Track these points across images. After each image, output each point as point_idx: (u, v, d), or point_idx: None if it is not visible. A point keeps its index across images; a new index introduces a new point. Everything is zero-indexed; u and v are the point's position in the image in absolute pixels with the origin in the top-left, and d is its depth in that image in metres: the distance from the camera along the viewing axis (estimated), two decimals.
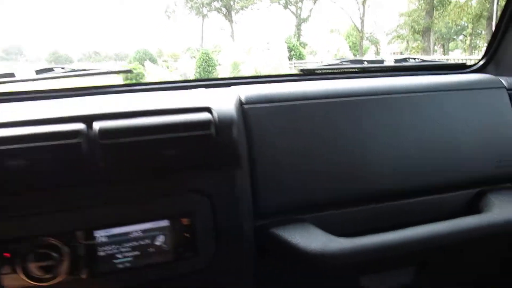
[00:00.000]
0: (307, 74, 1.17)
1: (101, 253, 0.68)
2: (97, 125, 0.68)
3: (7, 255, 0.65)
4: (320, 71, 1.15)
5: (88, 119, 0.68)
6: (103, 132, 0.67)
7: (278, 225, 0.83)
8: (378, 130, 0.91)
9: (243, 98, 0.84)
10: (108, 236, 0.69)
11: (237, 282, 0.78)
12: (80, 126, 0.67)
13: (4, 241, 0.65)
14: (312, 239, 0.79)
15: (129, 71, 1.16)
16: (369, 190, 0.89)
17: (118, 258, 0.69)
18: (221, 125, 0.73)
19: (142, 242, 0.70)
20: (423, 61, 1.24)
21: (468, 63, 1.24)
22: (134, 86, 0.92)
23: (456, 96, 0.97)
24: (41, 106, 0.75)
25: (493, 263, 1.08)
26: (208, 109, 0.74)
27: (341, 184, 0.87)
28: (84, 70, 0.99)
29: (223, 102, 0.77)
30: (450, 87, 0.98)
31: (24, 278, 0.65)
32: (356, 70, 1.16)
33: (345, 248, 0.77)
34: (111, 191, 0.69)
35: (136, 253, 0.70)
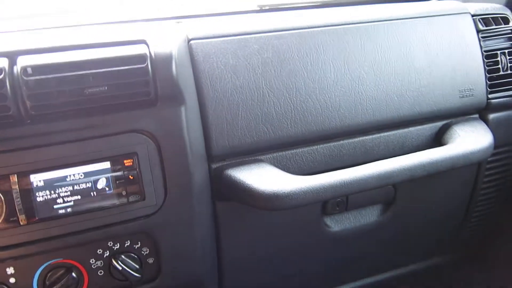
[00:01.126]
0: (266, 11, 1.11)
1: (39, 198, 0.65)
2: (20, 61, 0.63)
3: None
4: (279, 7, 1.09)
5: (12, 55, 0.63)
6: (27, 67, 0.62)
7: (233, 166, 0.81)
8: (334, 63, 0.88)
9: (189, 33, 0.79)
10: (45, 180, 0.65)
11: (190, 228, 0.76)
12: (3, 62, 0.62)
13: None
14: (267, 179, 0.77)
15: None
16: (328, 127, 0.87)
17: (58, 203, 0.66)
18: (158, 59, 0.68)
19: (82, 186, 0.67)
20: None
21: None
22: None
23: (418, 24, 0.94)
24: None
25: (456, 199, 1.09)
26: (144, 42, 0.69)
27: (298, 121, 0.85)
28: None
29: (164, 36, 0.72)
30: (412, 14, 0.95)
31: None
32: (317, 4, 1.10)
33: (302, 187, 0.75)
34: (44, 132, 0.65)
35: (77, 197, 0.67)
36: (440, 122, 0.98)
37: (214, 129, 0.79)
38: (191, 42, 0.78)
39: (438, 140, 0.97)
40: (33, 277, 0.70)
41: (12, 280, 0.69)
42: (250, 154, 0.84)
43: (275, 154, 0.86)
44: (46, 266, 0.70)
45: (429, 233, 1.12)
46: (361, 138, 0.92)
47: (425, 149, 0.90)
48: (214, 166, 0.80)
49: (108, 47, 0.67)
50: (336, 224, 0.98)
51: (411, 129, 0.95)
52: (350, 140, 0.91)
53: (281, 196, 0.74)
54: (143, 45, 0.68)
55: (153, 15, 0.96)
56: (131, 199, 0.70)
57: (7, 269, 0.68)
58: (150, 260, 0.75)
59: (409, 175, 0.82)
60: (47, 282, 0.70)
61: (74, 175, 0.67)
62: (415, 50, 0.94)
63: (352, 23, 0.91)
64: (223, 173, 0.80)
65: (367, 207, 1.00)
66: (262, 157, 0.85)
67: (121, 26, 0.80)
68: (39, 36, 0.69)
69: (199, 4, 1.07)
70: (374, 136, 0.93)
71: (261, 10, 1.09)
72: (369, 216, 1.01)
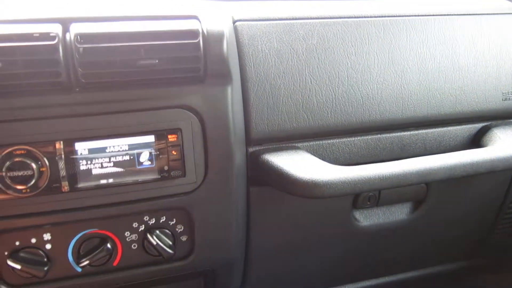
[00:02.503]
0: None
1: (82, 167, 0.66)
2: (74, 28, 0.63)
3: None
4: None
5: (66, 21, 0.64)
6: (81, 35, 0.63)
7: (271, 151, 0.81)
8: (379, 55, 0.87)
9: (235, 14, 0.79)
10: (90, 149, 0.66)
11: (226, 209, 0.77)
12: (57, 28, 0.63)
13: None
14: (305, 167, 0.77)
15: None
16: (367, 119, 0.87)
17: (100, 173, 0.67)
18: (210, 36, 0.68)
19: (125, 158, 0.68)
20: None
21: None
22: None
23: (466, 22, 0.93)
24: (14, 4, 0.69)
25: (487, 203, 1.09)
26: (196, 17, 0.69)
27: (338, 111, 0.84)
28: None
29: (214, 14, 0.72)
30: (461, 11, 0.94)
31: (2, 187, 0.63)
32: None
33: (341, 177, 0.75)
34: (91, 101, 0.66)
35: (119, 169, 0.68)
36: (479, 124, 0.97)
37: (255, 112, 0.79)
38: (237, 23, 0.78)
39: (476, 141, 0.96)
40: (69, 245, 0.71)
41: (48, 246, 0.70)
42: (287, 141, 0.84)
43: (312, 143, 0.86)
44: (82, 235, 0.71)
45: (457, 236, 1.12)
46: (399, 134, 0.91)
47: (462, 149, 0.89)
48: (251, 149, 0.81)
49: (161, 20, 0.67)
50: (365, 218, 0.98)
51: (450, 128, 0.94)
52: (388, 135, 0.91)
53: (320, 185, 0.74)
54: (196, 21, 0.68)
55: None
56: (172, 174, 0.70)
57: (44, 235, 0.70)
58: (184, 238, 0.76)
59: (448, 174, 0.82)
60: (81, 251, 0.72)
61: (118, 146, 0.67)
62: (461, 47, 0.93)
63: (399, 16, 0.90)
64: (259, 157, 0.80)
65: (397, 204, 1.00)
66: (298, 145, 0.85)
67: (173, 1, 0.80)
68: (92, 3, 0.70)
69: None
70: (412, 132, 0.92)
71: None
72: (399, 213, 1.01)
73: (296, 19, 0.83)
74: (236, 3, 0.89)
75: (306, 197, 0.83)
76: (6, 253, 0.69)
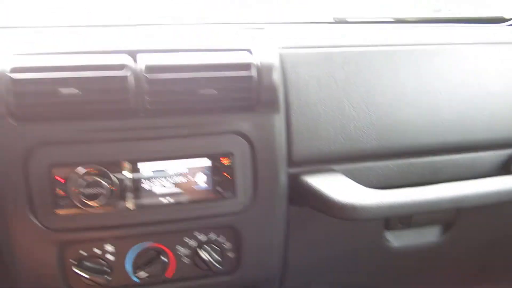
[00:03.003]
0: (340, 23, 1.17)
1: (145, 186, 0.73)
2: (142, 59, 0.71)
3: (61, 180, 0.70)
4: (353, 21, 1.16)
5: (133, 53, 0.72)
6: (149, 67, 0.70)
7: (310, 173, 0.87)
8: (412, 82, 0.93)
9: (279, 42, 0.86)
10: (152, 171, 0.73)
11: (270, 227, 0.83)
12: (127, 59, 0.71)
13: (57, 165, 0.70)
14: (343, 190, 0.83)
15: None
16: (401, 144, 0.92)
17: (160, 192, 0.74)
18: (262, 68, 0.75)
19: (183, 179, 0.75)
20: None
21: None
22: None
23: (496, 49, 0.98)
24: (85, 37, 0.78)
25: None
26: (249, 50, 0.76)
27: (374, 136, 0.90)
28: None
29: (263, 45, 0.79)
30: (491, 40, 0.99)
31: (76, 203, 0.71)
32: (391, 20, 1.16)
33: (376, 201, 0.80)
34: (155, 126, 0.73)
35: (177, 189, 0.75)
36: (509, 150, 1.01)
37: (296, 135, 0.85)
38: (281, 51, 0.85)
39: (507, 168, 1.00)
40: (128, 256, 0.78)
41: (110, 257, 0.77)
42: (325, 163, 0.90)
43: (348, 166, 0.91)
44: (140, 248, 0.78)
45: (487, 259, 1.15)
46: (430, 159, 0.96)
47: (494, 175, 0.93)
48: (291, 171, 0.87)
49: (218, 52, 0.75)
50: (397, 239, 1.02)
51: (481, 154, 0.99)
52: (420, 159, 0.96)
53: (358, 208, 0.79)
54: (248, 54, 0.76)
55: (235, 20, 1.04)
56: (224, 195, 0.77)
57: (107, 247, 0.77)
58: (231, 254, 0.82)
59: (480, 201, 0.86)
60: (138, 262, 0.78)
61: (177, 167, 0.74)
62: (491, 74, 0.98)
63: (431, 44, 0.96)
64: (299, 178, 0.86)
65: (428, 226, 1.04)
66: (335, 167, 0.91)
67: (225, 32, 0.88)
68: (155, 34, 0.78)
69: (276, 12, 1.15)
70: (443, 157, 0.97)
71: (337, 22, 1.15)
72: (429, 235, 1.05)
73: (335, 47, 0.90)
74: (281, 28, 0.96)
75: (344, 219, 0.88)
76: (73, 261, 0.76)
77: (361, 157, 0.92)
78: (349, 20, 1.14)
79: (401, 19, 1.16)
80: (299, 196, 0.86)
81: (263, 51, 0.77)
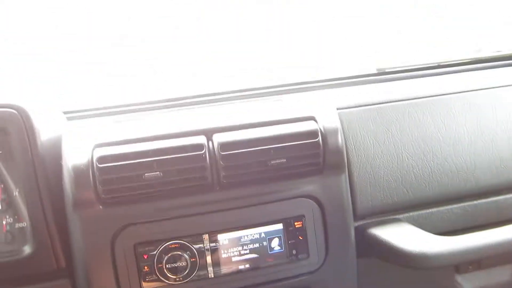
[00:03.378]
0: (383, 74, 1.21)
1: (224, 255, 0.77)
2: (217, 138, 0.77)
3: (145, 256, 0.75)
4: (395, 69, 1.19)
5: (208, 132, 0.77)
6: (222, 144, 0.76)
7: (375, 225, 0.89)
8: (467, 127, 0.95)
9: (336, 104, 0.91)
10: (230, 239, 0.77)
11: (344, 282, 0.84)
12: (202, 139, 0.76)
13: (141, 244, 0.75)
14: (412, 238, 0.84)
15: None
16: (463, 188, 0.93)
17: (239, 260, 0.78)
18: (327, 133, 0.79)
19: (259, 244, 0.78)
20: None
21: None
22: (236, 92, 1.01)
23: None
24: (160, 120, 0.85)
25: None
26: (313, 118, 0.81)
27: (435, 183, 0.92)
28: None
29: (325, 110, 0.84)
30: None
31: (160, 277, 0.75)
32: (432, 65, 1.18)
33: (447, 248, 0.81)
34: (229, 198, 0.78)
35: (255, 255, 0.78)
36: None
37: (359, 190, 0.88)
38: (338, 111, 0.90)
39: None
40: None
41: None
42: (389, 213, 0.92)
43: (412, 213, 0.93)
44: None
45: None
46: (494, 199, 0.96)
47: None
48: (356, 224, 0.89)
49: (284, 124, 0.79)
50: (468, 283, 1.01)
51: None
52: (484, 200, 0.96)
53: (429, 256, 0.79)
54: (313, 122, 0.80)
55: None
56: (298, 257, 0.79)
57: None
58: None
59: None
60: None
61: (252, 235, 0.78)
62: None
63: (482, 89, 0.98)
64: (365, 231, 0.88)
65: (499, 266, 1.02)
66: (400, 216, 0.92)
67: (287, 102, 0.93)
68: (224, 113, 0.84)
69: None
70: (506, 196, 0.97)
71: (380, 73, 1.19)
72: (501, 274, 1.03)
73: (387, 102, 0.94)
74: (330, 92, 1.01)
75: (416, 269, 0.89)
76: None
77: (425, 204, 0.93)
78: (391, 70, 1.17)
79: (443, 63, 1.19)
80: (366, 248, 0.88)
81: (325, 116, 0.82)
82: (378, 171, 0.89)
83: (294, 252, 0.79)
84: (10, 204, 0.78)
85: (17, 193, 0.79)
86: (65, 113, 0.94)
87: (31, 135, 0.75)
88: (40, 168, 0.76)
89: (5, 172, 0.78)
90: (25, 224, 0.78)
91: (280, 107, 0.86)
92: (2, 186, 0.80)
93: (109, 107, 1.00)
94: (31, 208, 0.75)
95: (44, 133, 0.78)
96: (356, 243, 0.88)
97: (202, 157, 0.75)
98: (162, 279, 0.75)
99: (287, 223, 0.79)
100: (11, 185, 0.79)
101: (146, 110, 0.97)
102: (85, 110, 0.98)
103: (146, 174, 0.73)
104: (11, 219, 0.77)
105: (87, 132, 0.79)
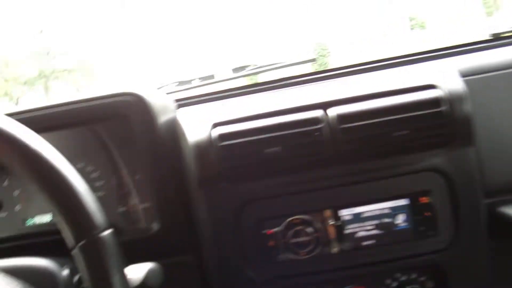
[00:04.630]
0: (498, 39, 1.11)
1: (346, 231, 0.76)
2: (334, 111, 0.75)
3: (270, 232, 0.76)
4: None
5: (324, 106, 0.76)
6: (343, 117, 0.74)
7: (508, 204, 0.82)
8: None
9: (460, 71, 0.84)
10: (353, 215, 0.76)
11: (474, 263, 0.79)
12: (320, 113, 0.76)
13: (265, 219, 0.77)
14: None
15: (313, 60, 1.25)
16: None
17: (361, 236, 0.76)
18: (452, 101, 0.74)
19: (383, 221, 0.76)
20: None
21: None
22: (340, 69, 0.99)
23: None
24: (272, 99, 0.85)
25: None
26: (436, 86, 0.76)
27: None
28: (274, 64, 1.11)
29: (447, 77, 0.79)
30: None
31: (285, 253, 0.76)
32: None
33: None
34: (351, 172, 0.76)
35: (378, 231, 0.76)
36: None
37: (488, 164, 0.81)
38: (465, 78, 0.83)
39: None
40: None
41: None
42: None
43: None
44: None
45: None
46: None
47: None
48: (486, 201, 0.82)
49: (404, 93, 0.76)
50: None
51: None
52: None
53: None
54: (436, 90, 0.75)
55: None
56: (425, 234, 0.76)
57: None
58: None
59: None
60: None
61: (376, 210, 0.76)
62: None
63: None
64: (496, 209, 0.81)
65: None
66: None
67: (404, 72, 0.89)
68: (339, 86, 0.82)
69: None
70: None
71: (496, 38, 1.09)
72: None
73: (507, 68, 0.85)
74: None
75: None
76: None
77: None
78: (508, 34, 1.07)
79: None
80: (498, 228, 0.81)
81: (449, 83, 0.77)
82: (508, 143, 0.82)
83: (421, 229, 0.76)
84: (134, 187, 0.83)
85: (139, 176, 0.85)
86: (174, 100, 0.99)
87: (151, 120, 0.80)
88: (162, 150, 0.81)
89: (128, 157, 0.84)
90: (149, 204, 0.83)
91: (398, 77, 0.82)
92: (126, 170, 0.86)
93: (216, 93, 1.03)
94: (156, 188, 0.80)
95: (161, 117, 0.83)
96: (487, 222, 0.82)
97: (321, 131, 0.74)
98: (287, 254, 0.76)
99: (413, 198, 0.76)
100: (134, 168, 0.85)
101: (253, 93, 0.98)
102: (192, 98, 1.02)
103: (266, 150, 0.74)
104: (136, 201, 0.83)
105: (203, 113, 0.83)
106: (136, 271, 0.56)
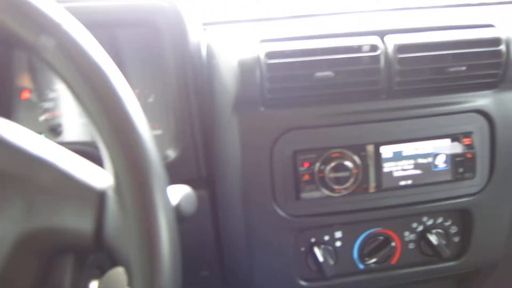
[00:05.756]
0: None
1: (386, 169, 0.72)
2: (392, 40, 0.70)
3: (307, 164, 0.70)
4: None
5: (382, 34, 0.70)
6: (400, 46, 0.69)
7: None
8: None
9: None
10: (394, 153, 0.72)
11: (502, 210, 0.80)
12: (377, 40, 0.69)
13: (302, 151, 0.70)
14: None
15: None
16: None
17: (400, 175, 0.73)
18: (509, 43, 0.72)
19: (423, 160, 0.73)
20: None
21: None
22: None
23: None
24: (329, 22, 0.78)
25: None
26: (493, 26, 0.74)
27: None
28: None
29: (506, 19, 0.76)
30: None
31: (321, 187, 0.71)
32: None
33: None
34: (398, 107, 0.72)
35: (417, 171, 0.73)
36: None
37: None
38: None
39: None
40: (355, 242, 0.77)
41: (338, 243, 0.77)
42: None
43: None
44: (368, 234, 0.77)
45: None
46: None
47: None
48: None
49: (461, 29, 0.72)
50: None
51: None
52: None
53: None
54: (494, 29, 0.73)
55: None
56: (464, 176, 0.75)
57: (336, 233, 0.77)
58: (456, 239, 0.80)
59: None
60: (365, 249, 0.78)
61: (417, 149, 0.73)
62: None
63: None
64: None
65: None
66: None
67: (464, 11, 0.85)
68: (397, 16, 0.76)
69: None
70: None
71: None
72: None
73: None
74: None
75: None
76: (303, 249, 0.76)
77: None
78: None
79: None
80: None
81: (508, 25, 0.74)
82: None
83: (460, 170, 0.74)
84: (150, 108, 0.74)
85: (153, 97, 0.74)
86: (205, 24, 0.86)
87: (183, 32, 0.70)
88: (190, 70, 0.70)
89: (142, 76, 0.74)
90: (161, 131, 0.75)
91: (458, 14, 0.79)
92: (138, 90, 0.75)
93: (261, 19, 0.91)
94: (178, 112, 0.71)
95: (194, 32, 0.72)
96: None
97: (377, 59, 0.68)
98: (323, 189, 0.71)
99: (455, 138, 0.73)
100: (151, 87, 0.75)
101: (305, 17, 0.88)
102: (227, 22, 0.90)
103: (317, 73, 0.67)
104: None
105: (247, 32, 0.73)
106: (172, 193, 0.46)
